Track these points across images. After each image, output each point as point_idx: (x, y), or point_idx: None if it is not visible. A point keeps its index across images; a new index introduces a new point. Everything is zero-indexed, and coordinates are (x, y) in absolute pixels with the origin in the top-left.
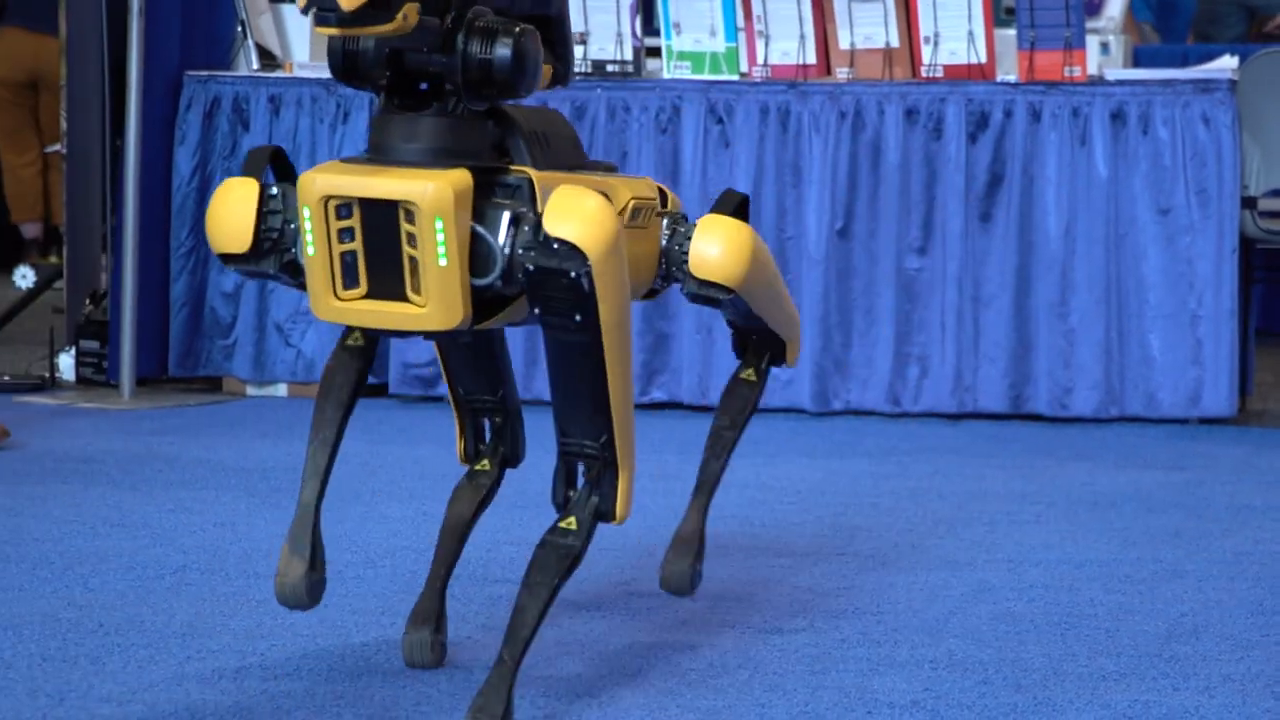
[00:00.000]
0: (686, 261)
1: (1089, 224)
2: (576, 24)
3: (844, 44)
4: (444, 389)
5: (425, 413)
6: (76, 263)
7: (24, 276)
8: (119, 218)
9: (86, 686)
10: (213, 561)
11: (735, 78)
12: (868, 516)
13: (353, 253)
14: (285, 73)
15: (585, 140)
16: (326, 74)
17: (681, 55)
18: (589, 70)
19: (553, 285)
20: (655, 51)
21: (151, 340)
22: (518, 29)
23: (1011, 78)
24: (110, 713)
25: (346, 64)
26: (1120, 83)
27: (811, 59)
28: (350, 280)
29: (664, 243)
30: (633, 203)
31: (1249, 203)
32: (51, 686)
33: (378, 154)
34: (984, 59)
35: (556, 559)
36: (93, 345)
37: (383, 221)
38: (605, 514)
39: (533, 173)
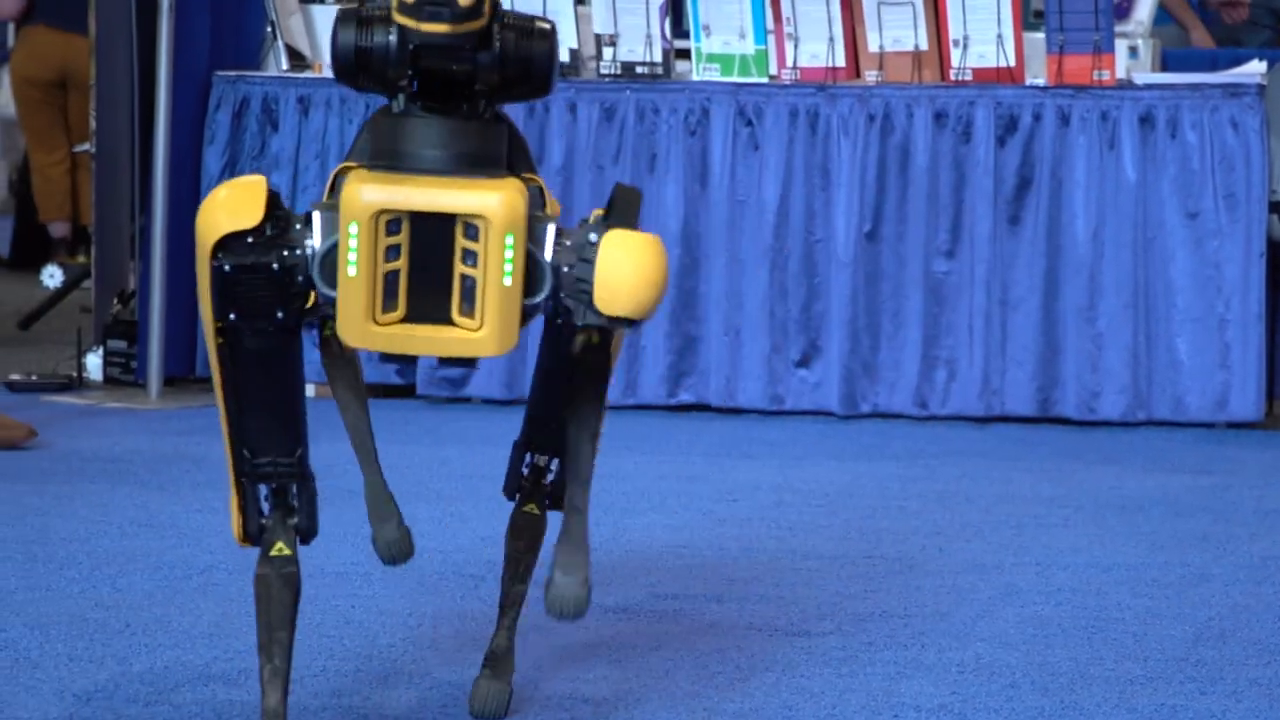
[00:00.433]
0: (587, 291)
1: (1117, 228)
2: (606, 25)
3: (873, 47)
4: (472, 389)
5: (452, 414)
6: (104, 262)
7: (52, 276)
8: (147, 218)
9: (113, 687)
10: (240, 562)
11: (764, 80)
12: (895, 519)
13: (395, 272)
14: (315, 73)
15: (614, 142)
16: None
17: (711, 57)
18: (618, 72)
19: (597, 331)
20: (685, 53)
21: (179, 340)
22: (549, 24)
23: (1040, 81)
24: (137, 713)
25: (359, 62)
26: (1149, 87)
27: (841, 62)
28: (389, 303)
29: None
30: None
31: (1276, 207)
32: (79, 686)
33: (399, 161)
34: (1013, 62)
35: (592, 379)
36: (120, 345)
37: (435, 237)
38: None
39: (540, 180)
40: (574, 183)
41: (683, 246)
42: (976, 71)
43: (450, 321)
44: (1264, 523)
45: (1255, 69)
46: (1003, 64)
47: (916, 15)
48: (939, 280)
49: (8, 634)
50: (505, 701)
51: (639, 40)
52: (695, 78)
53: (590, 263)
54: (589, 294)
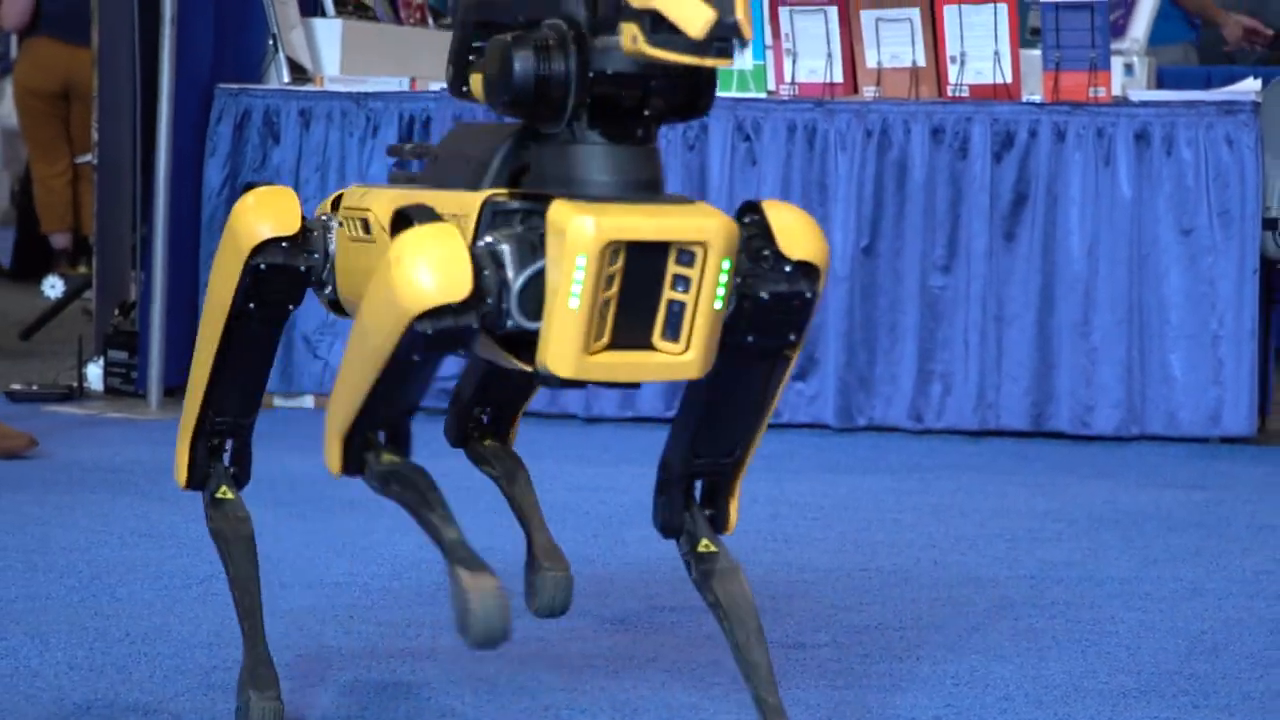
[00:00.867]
0: (770, 248)
1: (1112, 244)
2: None
3: (871, 63)
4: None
5: None
6: (106, 273)
7: (53, 286)
8: (149, 229)
9: (113, 695)
10: None
11: (762, 95)
12: (890, 532)
13: (607, 301)
14: (316, 86)
15: None
16: (357, 88)
17: None
18: None
19: (782, 309)
20: None
21: (180, 351)
22: None
23: (1037, 98)
24: None
25: (538, 91)
26: (1144, 104)
27: (839, 77)
28: (599, 331)
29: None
30: None
31: (1270, 224)
32: (79, 695)
33: (576, 188)
34: (1009, 79)
35: (742, 589)
36: (121, 355)
37: (647, 265)
38: (721, 524)
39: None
40: None
41: None
42: (973, 88)
43: (651, 346)
44: (1257, 537)
45: (1250, 86)
46: (999, 80)
47: (914, 32)
48: (935, 295)
49: (7, 642)
50: (571, 591)
51: None
52: None
53: (762, 235)
54: (772, 249)
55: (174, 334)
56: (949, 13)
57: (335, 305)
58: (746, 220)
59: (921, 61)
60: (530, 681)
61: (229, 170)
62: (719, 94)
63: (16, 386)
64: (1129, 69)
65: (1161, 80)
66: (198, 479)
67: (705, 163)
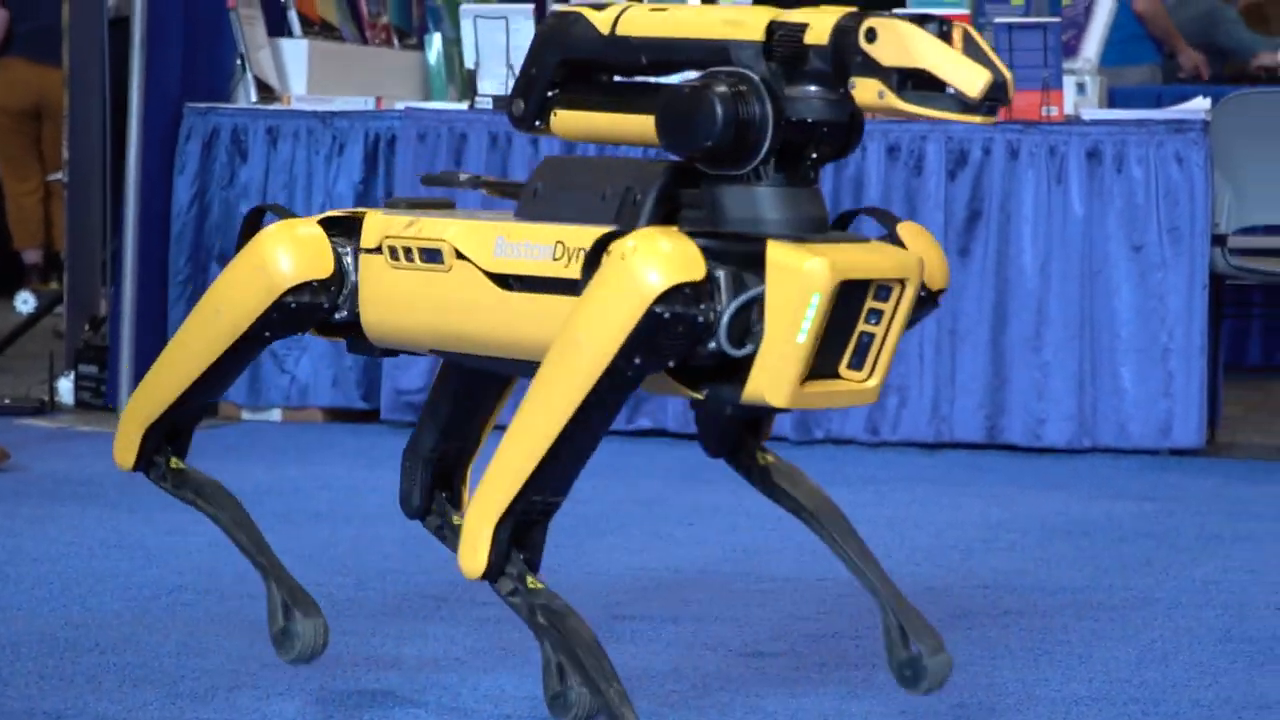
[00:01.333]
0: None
1: (1064, 260)
2: None
3: None
4: None
5: None
6: (76, 288)
7: (25, 302)
8: (119, 245)
9: (83, 705)
10: (208, 583)
11: None
12: None
13: (818, 335)
14: (283, 105)
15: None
16: (323, 107)
17: None
18: None
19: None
20: None
21: (149, 365)
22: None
23: None
24: None
25: (737, 134)
26: (1096, 122)
27: None
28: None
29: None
30: None
31: (1219, 240)
32: (49, 705)
33: (765, 228)
34: None
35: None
36: (91, 370)
37: (851, 300)
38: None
39: None
40: None
41: None
42: None
43: (837, 375)
44: (1206, 548)
45: (1200, 105)
46: None
47: None
48: None
49: None
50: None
51: None
52: None
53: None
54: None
55: (144, 348)
56: None
57: (325, 328)
58: None
59: None
60: (494, 690)
61: (198, 187)
62: None
63: None
64: (1081, 88)
65: (1113, 99)
66: (143, 464)
67: None
